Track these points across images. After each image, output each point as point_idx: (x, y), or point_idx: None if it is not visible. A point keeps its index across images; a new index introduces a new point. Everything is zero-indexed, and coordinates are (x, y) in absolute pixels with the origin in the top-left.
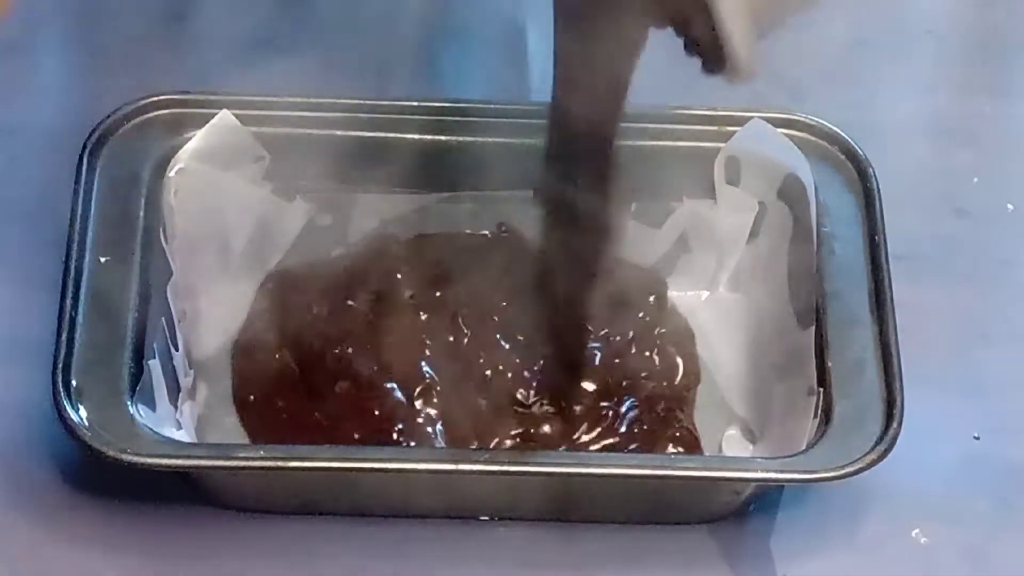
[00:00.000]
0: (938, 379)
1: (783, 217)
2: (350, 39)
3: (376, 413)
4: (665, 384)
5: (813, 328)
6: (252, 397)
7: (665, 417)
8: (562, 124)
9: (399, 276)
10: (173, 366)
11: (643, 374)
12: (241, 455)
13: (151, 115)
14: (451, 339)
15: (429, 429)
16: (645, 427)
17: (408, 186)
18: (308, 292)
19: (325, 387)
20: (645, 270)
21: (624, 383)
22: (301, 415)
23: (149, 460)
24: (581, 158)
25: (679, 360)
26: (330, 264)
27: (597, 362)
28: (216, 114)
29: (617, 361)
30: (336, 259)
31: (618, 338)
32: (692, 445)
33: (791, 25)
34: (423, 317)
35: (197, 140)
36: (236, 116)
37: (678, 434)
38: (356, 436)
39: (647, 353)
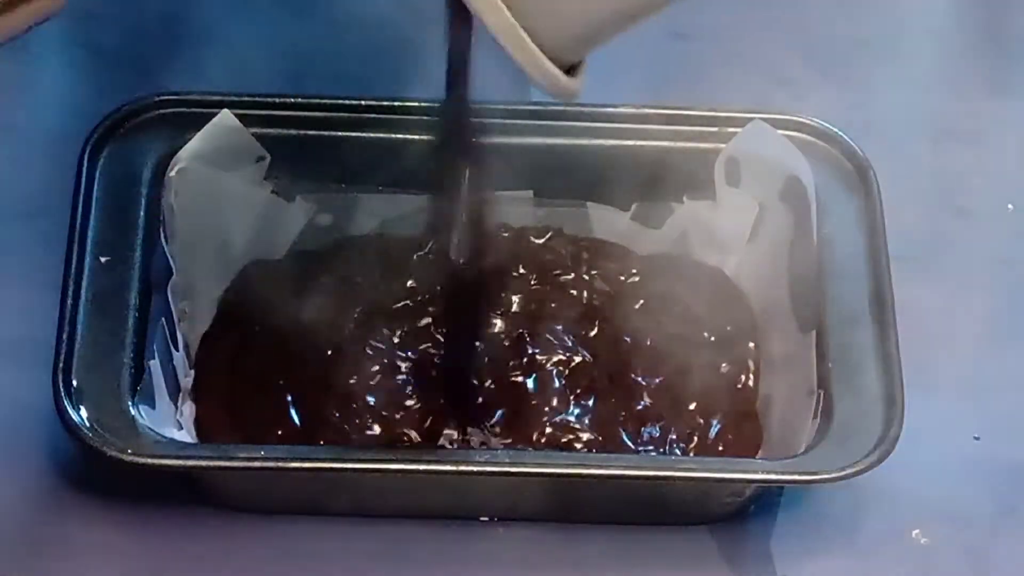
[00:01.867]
0: (938, 379)
1: (783, 218)
2: (350, 38)
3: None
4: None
5: (814, 331)
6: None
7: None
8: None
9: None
10: (173, 366)
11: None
12: (241, 455)
13: (151, 115)
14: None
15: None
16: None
17: (408, 186)
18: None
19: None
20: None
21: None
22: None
23: (150, 460)
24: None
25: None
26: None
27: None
28: (216, 114)
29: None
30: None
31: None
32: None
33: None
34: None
35: (197, 140)
36: (236, 116)
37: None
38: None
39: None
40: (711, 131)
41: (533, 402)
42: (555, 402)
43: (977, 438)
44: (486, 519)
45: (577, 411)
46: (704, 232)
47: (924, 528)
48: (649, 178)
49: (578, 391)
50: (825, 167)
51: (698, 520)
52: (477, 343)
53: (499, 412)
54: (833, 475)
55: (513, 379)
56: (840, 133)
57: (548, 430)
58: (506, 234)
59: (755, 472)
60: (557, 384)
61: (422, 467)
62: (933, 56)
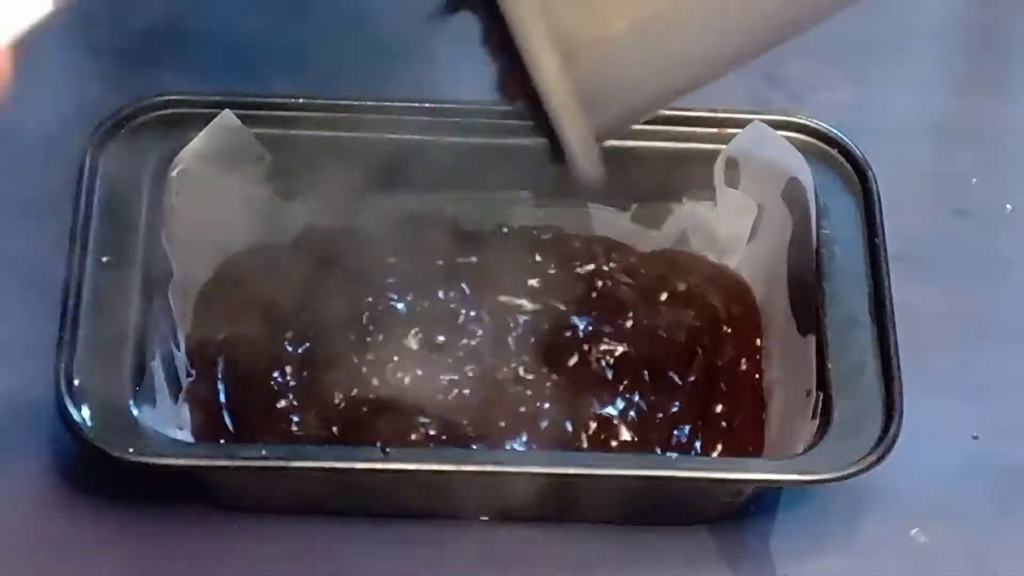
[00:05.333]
0: (938, 379)
1: (783, 219)
2: (350, 38)
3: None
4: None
5: (813, 333)
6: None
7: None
8: None
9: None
10: (175, 366)
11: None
12: (242, 455)
13: (151, 115)
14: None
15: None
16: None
17: (408, 186)
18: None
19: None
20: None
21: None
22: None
23: (151, 460)
24: None
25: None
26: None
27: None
28: (217, 114)
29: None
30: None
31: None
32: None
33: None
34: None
35: (198, 140)
36: (237, 116)
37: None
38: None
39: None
40: (711, 131)
41: (581, 391)
42: (603, 394)
43: (977, 438)
44: (486, 519)
45: (622, 405)
46: (704, 233)
47: (924, 528)
48: (649, 178)
49: (625, 383)
50: (825, 167)
51: (698, 520)
52: None
53: (546, 404)
54: (833, 475)
55: (562, 366)
56: (840, 133)
57: (593, 425)
58: (506, 231)
59: (755, 472)
60: (608, 376)
61: (422, 467)
62: (933, 56)
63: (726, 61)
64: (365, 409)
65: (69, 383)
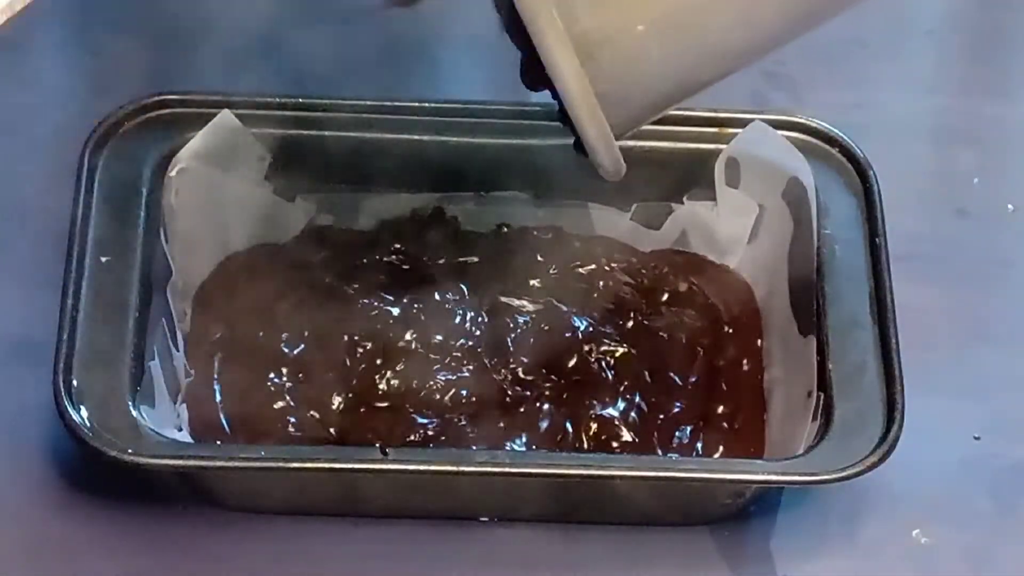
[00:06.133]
0: (938, 379)
1: (784, 219)
2: (351, 38)
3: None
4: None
5: (814, 333)
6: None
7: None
8: None
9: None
10: (173, 366)
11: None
12: (241, 455)
13: (151, 115)
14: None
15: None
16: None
17: (408, 186)
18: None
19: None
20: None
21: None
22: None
23: (150, 460)
24: None
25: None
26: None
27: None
28: (216, 114)
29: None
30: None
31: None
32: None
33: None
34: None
35: (198, 140)
36: (237, 116)
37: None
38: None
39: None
40: (711, 131)
41: (582, 392)
42: (604, 394)
43: (977, 438)
44: (486, 519)
45: (623, 406)
46: (704, 233)
47: (924, 528)
48: (649, 178)
49: (625, 383)
50: (825, 167)
51: (698, 520)
52: None
53: (546, 405)
54: (834, 476)
55: (562, 367)
56: (840, 133)
57: (593, 426)
58: (506, 231)
59: (756, 473)
60: (609, 376)
61: (422, 467)
62: (933, 56)
63: (747, 53)
64: (363, 410)
65: (68, 384)
